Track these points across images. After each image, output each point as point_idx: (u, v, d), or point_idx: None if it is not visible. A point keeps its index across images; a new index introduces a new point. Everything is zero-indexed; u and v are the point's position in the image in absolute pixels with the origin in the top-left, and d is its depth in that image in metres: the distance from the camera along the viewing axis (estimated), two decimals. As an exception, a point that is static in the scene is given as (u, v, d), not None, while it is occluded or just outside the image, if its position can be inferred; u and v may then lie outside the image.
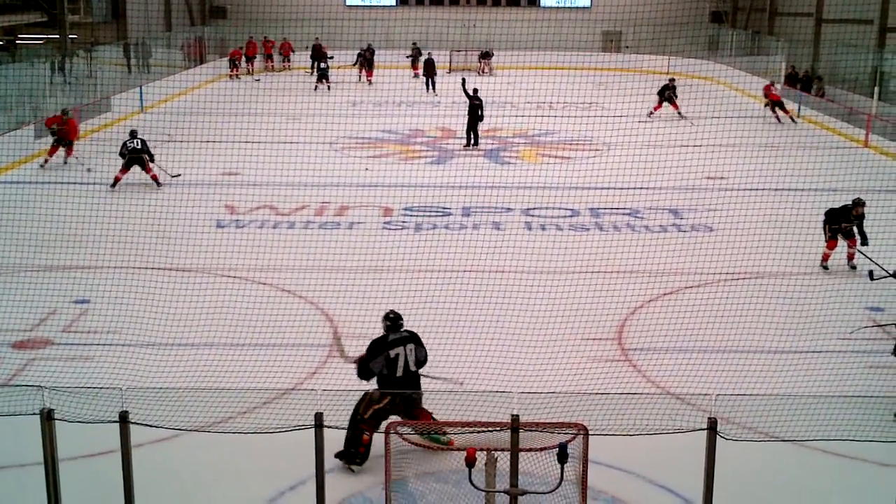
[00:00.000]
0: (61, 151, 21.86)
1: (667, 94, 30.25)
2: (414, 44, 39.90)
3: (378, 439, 7.55)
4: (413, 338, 9.09)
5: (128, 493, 6.95)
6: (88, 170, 21.03)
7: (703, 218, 18.05)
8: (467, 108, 25.13)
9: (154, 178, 19.94)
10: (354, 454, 8.72)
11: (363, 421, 8.68)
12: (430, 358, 9.28)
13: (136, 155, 19.73)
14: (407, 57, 40.50)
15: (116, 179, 19.72)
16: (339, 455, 8.71)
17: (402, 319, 9.14)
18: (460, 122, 25.60)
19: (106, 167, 20.57)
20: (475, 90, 25.03)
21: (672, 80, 30.99)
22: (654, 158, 19.66)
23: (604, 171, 19.87)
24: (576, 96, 33.12)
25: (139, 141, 19.84)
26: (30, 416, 7.05)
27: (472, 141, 25.08)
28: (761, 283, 14.12)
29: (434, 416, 8.98)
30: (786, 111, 29.41)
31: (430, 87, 36.10)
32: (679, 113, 29.72)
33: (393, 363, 8.87)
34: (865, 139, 25.99)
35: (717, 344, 11.76)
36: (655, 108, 30.13)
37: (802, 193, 18.32)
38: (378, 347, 8.98)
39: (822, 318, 12.31)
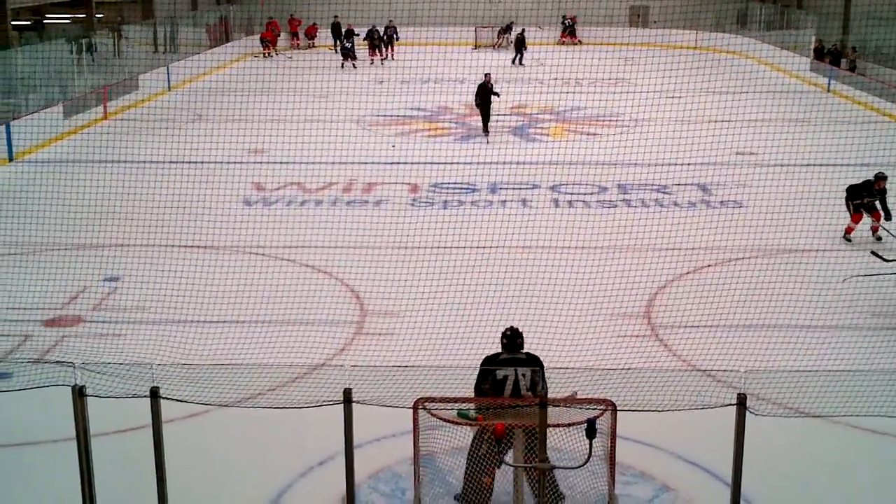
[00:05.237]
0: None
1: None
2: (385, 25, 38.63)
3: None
4: (530, 361, 7.73)
5: (159, 467, 7.01)
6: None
7: (733, 193, 17.91)
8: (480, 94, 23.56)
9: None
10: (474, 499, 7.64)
11: (481, 461, 7.54)
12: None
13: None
14: (363, 39, 37.72)
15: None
16: (457, 497, 7.85)
17: (521, 338, 7.90)
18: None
19: (134, 144, 20.67)
20: (486, 75, 23.50)
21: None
22: (683, 134, 19.48)
23: (632, 146, 19.74)
24: (603, 72, 32.87)
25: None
26: (62, 393, 7.12)
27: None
28: (791, 258, 14.00)
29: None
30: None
31: (519, 60, 37.47)
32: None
33: (500, 385, 7.60)
34: (897, 113, 25.67)
35: (746, 319, 11.69)
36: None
37: (833, 168, 18.13)
38: (487, 365, 7.72)
39: (852, 293, 12.21)
